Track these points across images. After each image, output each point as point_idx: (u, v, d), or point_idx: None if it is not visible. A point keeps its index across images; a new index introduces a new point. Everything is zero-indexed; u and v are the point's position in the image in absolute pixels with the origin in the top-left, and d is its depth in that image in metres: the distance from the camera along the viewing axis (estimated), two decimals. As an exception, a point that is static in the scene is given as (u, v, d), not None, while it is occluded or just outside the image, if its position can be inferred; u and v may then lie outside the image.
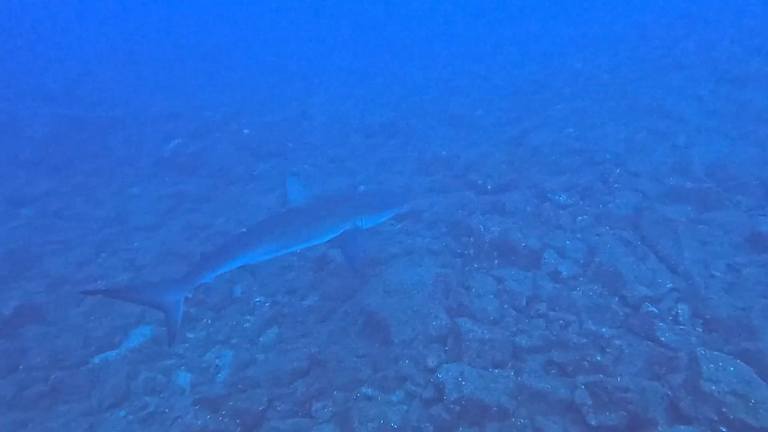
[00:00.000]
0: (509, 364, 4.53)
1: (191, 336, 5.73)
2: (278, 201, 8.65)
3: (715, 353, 3.60)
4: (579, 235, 6.17)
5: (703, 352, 3.59)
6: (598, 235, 6.06)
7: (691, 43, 13.37)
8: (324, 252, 7.17)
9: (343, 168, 9.82)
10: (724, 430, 3.19)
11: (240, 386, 4.67)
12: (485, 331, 4.70)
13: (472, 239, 6.35)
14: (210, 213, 8.40)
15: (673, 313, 4.65)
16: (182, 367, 5.29)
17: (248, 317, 6.07)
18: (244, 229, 6.89)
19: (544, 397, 3.98)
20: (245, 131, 10.81)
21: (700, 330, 4.46)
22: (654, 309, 4.71)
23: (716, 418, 3.22)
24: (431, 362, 4.60)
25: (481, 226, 6.31)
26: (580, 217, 6.55)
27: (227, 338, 5.72)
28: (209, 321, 5.98)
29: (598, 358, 4.22)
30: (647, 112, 9.77)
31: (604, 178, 7.37)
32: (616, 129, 9.18)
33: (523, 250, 5.91)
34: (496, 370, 4.36)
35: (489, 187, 7.68)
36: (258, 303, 6.34)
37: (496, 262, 6.05)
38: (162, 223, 8.19)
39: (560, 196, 7.03)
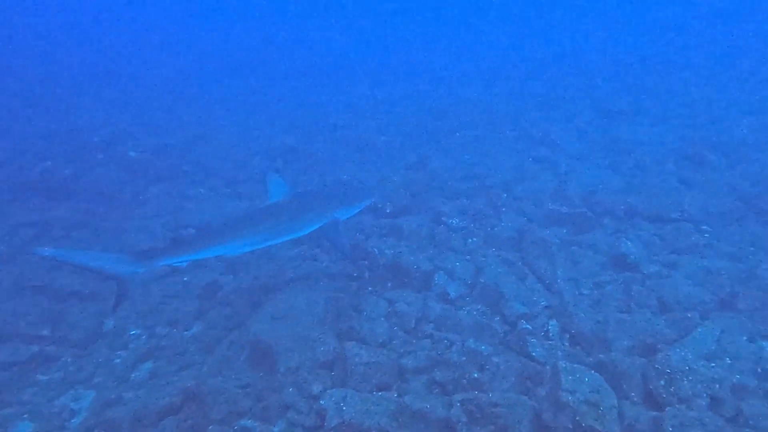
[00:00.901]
0: (394, 386, 4.52)
1: (43, 378, 5.01)
2: (166, 226, 8.08)
3: (575, 365, 3.81)
4: (468, 257, 6.40)
5: (564, 364, 3.79)
6: (484, 256, 6.34)
7: (573, 79, 14.80)
8: (215, 278, 6.80)
9: (241, 192, 9.49)
10: (578, 438, 3.36)
11: (96, 431, 4.17)
12: (372, 355, 4.69)
13: (367, 262, 6.37)
14: (83, 241, 7.60)
15: (545, 329, 4.92)
16: (25, 416, 4.57)
17: (120, 352, 5.49)
18: (223, 221, 6.84)
19: (424, 417, 3.97)
20: (132, 153, 9.99)
21: (567, 344, 4.75)
22: (528, 326, 4.94)
23: (571, 427, 3.38)
24: (316, 389, 4.50)
25: (376, 249, 6.36)
26: (470, 240, 6.82)
27: (90, 377, 5.09)
28: (69, 360, 5.31)
29: (476, 375, 4.32)
30: (535, 141, 10.55)
31: (493, 202, 7.78)
32: (507, 156, 9.80)
33: (416, 272, 6.02)
34: (380, 393, 4.32)
35: (388, 211, 7.81)
36: (133, 336, 5.78)
37: (390, 284, 6.09)
38: (20, 253, 7.24)
39: (453, 220, 7.28)
